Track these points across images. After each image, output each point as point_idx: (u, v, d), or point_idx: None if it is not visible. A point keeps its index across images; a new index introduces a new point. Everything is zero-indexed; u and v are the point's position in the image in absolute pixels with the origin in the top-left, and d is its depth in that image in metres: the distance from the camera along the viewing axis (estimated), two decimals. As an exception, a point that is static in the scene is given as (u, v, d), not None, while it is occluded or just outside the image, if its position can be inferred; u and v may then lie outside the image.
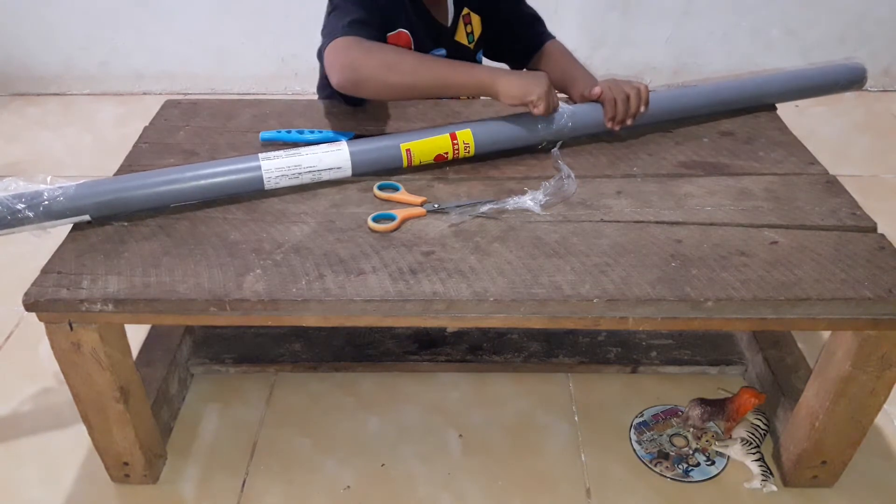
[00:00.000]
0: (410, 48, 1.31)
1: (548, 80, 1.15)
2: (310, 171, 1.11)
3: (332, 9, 1.25)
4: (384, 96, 1.33)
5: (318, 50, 1.24)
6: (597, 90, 1.23)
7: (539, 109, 1.13)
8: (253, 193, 1.12)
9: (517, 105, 1.15)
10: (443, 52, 1.37)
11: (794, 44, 2.56)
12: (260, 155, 1.10)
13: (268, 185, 1.10)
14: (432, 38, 1.35)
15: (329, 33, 1.18)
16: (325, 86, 1.25)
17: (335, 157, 1.13)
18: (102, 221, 1.06)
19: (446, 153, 1.17)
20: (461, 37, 1.41)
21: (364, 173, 1.16)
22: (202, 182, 1.09)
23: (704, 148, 1.25)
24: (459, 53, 1.40)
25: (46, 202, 1.01)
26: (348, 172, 1.14)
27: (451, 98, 1.39)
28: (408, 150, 1.15)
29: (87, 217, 1.04)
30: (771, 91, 1.39)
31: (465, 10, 1.40)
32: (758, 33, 2.55)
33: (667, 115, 1.30)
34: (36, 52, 2.62)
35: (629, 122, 1.23)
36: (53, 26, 2.56)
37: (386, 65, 1.15)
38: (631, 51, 2.59)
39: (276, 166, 1.10)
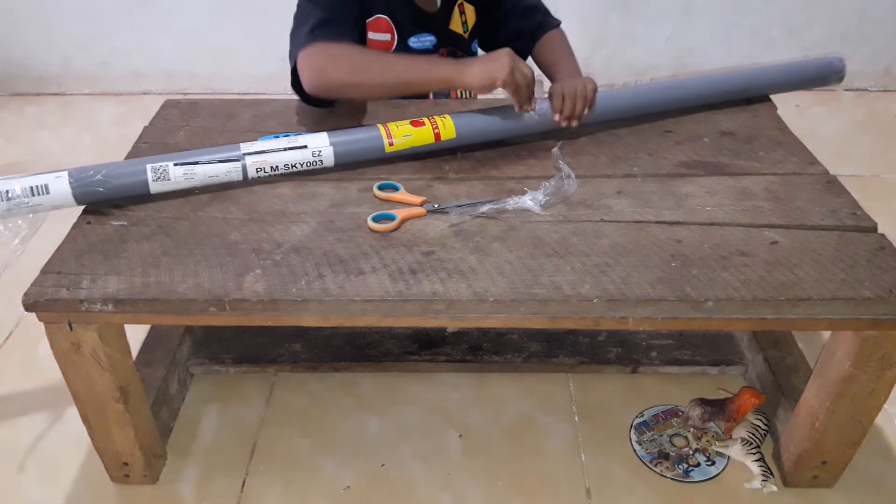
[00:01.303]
0: (391, 33, 1.32)
1: (509, 59, 1.12)
2: (288, 152, 1.12)
3: (298, 9, 1.27)
4: (357, 98, 1.35)
5: (289, 53, 1.27)
6: (552, 87, 1.26)
7: (512, 90, 1.14)
8: (243, 185, 1.13)
9: (488, 92, 1.15)
10: (431, 38, 1.38)
11: (794, 44, 2.56)
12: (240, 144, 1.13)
13: (250, 173, 1.12)
14: (415, 23, 1.35)
15: (295, 40, 1.22)
16: (294, 83, 1.29)
17: (315, 140, 1.14)
18: (102, 222, 1.06)
19: (423, 122, 1.18)
20: (456, 25, 1.41)
21: (348, 162, 1.16)
22: (184, 165, 1.10)
23: (705, 148, 1.25)
24: (453, 42, 1.41)
25: (32, 189, 1.02)
26: (331, 160, 1.15)
27: (423, 94, 1.39)
28: (385, 127, 1.16)
29: (73, 203, 1.06)
30: (743, 85, 1.40)
31: (460, 0, 1.40)
32: (758, 33, 2.55)
33: (636, 111, 1.33)
34: (36, 52, 2.62)
35: (574, 122, 1.23)
36: (53, 26, 2.56)
37: (353, 69, 1.18)
38: (631, 51, 2.59)
39: (254, 149, 1.12)
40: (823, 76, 1.42)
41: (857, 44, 2.55)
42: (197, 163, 1.10)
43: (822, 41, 2.55)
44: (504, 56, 1.13)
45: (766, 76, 1.42)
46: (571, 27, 1.51)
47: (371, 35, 1.35)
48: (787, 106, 1.40)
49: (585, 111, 1.23)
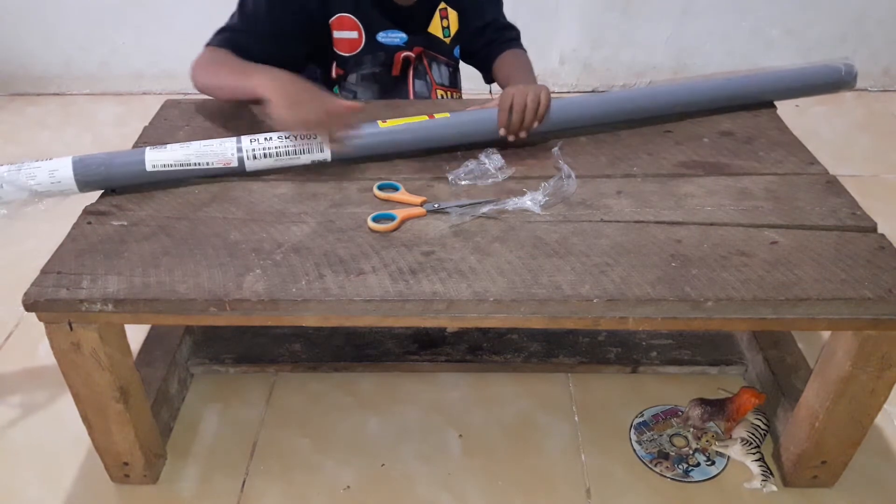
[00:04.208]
0: (358, 31, 1.34)
1: (307, 103, 1.10)
2: (286, 148, 1.14)
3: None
4: (222, 99, 1.36)
5: None
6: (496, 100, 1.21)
7: (306, 129, 1.13)
8: (241, 179, 1.15)
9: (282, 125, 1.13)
10: (401, 34, 1.38)
11: (794, 44, 2.56)
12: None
13: (248, 162, 1.14)
14: (386, 18, 1.36)
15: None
16: None
17: (317, 140, 1.15)
18: (102, 222, 1.06)
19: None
20: (436, 29, 1.41)
21: (346, 156, 1.17)
22: (183, 151, 1.12)
23: (704, 148, 1.25)
24: (432, 45, 1.42)
25: (37, 179, 1.05)
26: (327, 154, 1.16)
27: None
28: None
29: (76, 191, 1.08)
30: (753, 90, 1.38)
31: (443, 5, 1.40)
32: (758, 33, 2.55)
33: (638, 114, 1.31)
34: (36, 52, 2.62)
35: (522, 134, 1.19)
36: (53, 26, 2.56)
37: (210, 74, 1.26)
38: (631, 51, 2.59)
39: (249, 139, 1.14)
40: (833, 83, 1.39)
41: (857, 44, 2.55)
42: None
43: (822, 41, 2.55)
44: (318, 105, 1.11)
45: (776, 82, 1.39)
46: (571, 27, 1.51)
47: (336, 34, 1.36)
48: (787, 106, 1.40)
49: (535, 124, 1.18)
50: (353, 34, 1.35)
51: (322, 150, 1.15)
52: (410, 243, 1.01)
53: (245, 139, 1.15)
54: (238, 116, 1.35)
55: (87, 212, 1.09)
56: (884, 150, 2.24)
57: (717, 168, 1.19)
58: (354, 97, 1.43)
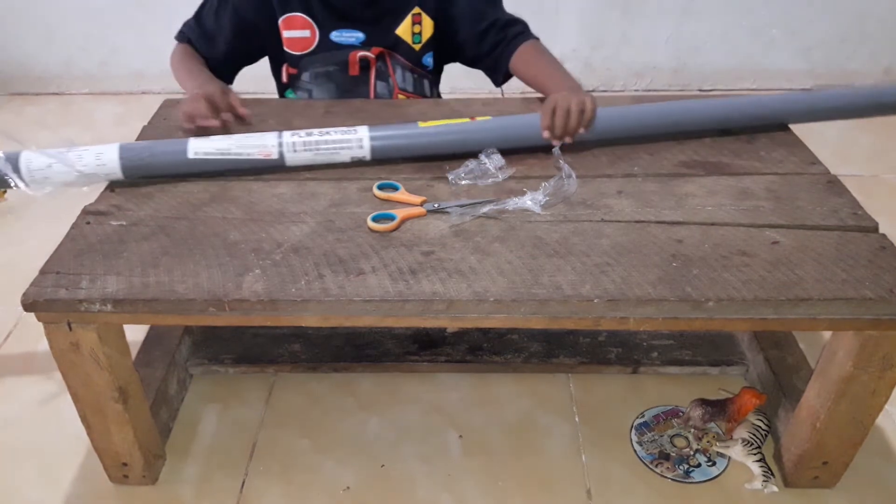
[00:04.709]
0: (311, 30, 1.35)
1: (196, 99, 1.22)
2: (326, 144, 1.15)
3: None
4: None
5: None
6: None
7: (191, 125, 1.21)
8: (273, 171, 1.17)
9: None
10: (357, 34, 1.37)
11: (794, 44, 2.56)
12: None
13: (288, 155, 1.15)
14: (339, 17, 1.35)
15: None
16: None
17: (356, 136, 1.16)
18: (102, 222, 1.06)
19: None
20: (405, 33, 1.38)
21: (385, 157, 1.17)
22: (223, 143, 1.14)
23: (705, 147, 1.25)
24: (397, 47, 1.39)
25: (83, 161, 1.09)
26: (367, 148, 1.16)
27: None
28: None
29: (120, 176, 1.12)
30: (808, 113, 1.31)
31: (417, 10, 1.37)
32: (758, 33, 2.54)
33: (667, 129, 1.26)
34: (36, 52, 2.62)
35: (567, 139, 1.17)
36: (53, 26, 2.56)
37: (175, 73, 1.37)
38: (631, 51, 2.59)
39: (290, 133, 1.16)
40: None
41: (857, 44, 2.55)
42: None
43: (822, 41, 2.55)
44: (196, 98, 1.23)
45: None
46: (571, 27, 1.50)
47: (286, 34, 1.37)
48: (788, 106, 1.40)
49: (581, 130, 1.16)
50: (305, 33, 1.36)
51: (361, 147, 1.15)
52: (410, 243, 1.01)
53: (286, 133, 1.15)
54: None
55: (87, 212, 1.09)
56: (885, 149, 2.24)
57: (718, 168, 1.19)
58: (310, 96, 1.43)
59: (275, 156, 1.14)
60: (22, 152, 1.10)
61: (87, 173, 1.10)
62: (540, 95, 1.33)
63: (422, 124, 1.19)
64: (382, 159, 1.18)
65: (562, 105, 1.15)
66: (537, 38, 1.41)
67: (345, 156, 1.16)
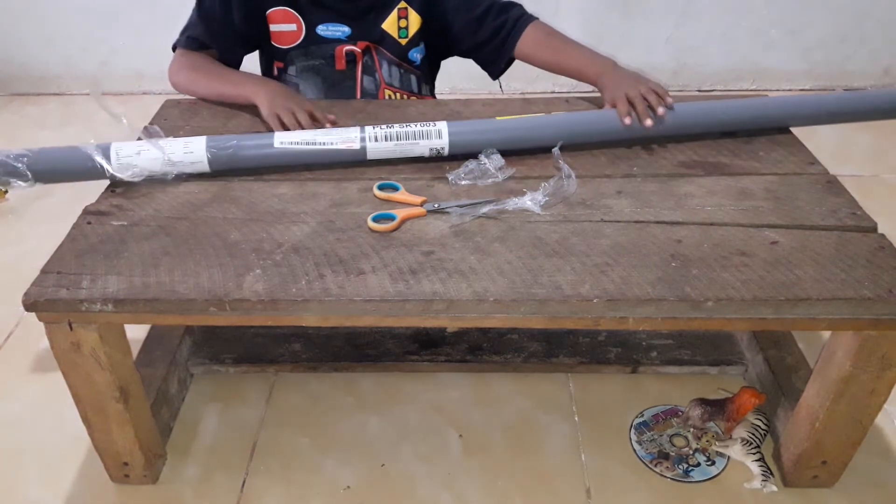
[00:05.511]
0: (297, 23, 1.36)
1: (292, 97, 1.25)
2: (406, 137, 1.17)
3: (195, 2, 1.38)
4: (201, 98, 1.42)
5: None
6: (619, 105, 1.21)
7: (291, 126, 1.21)
8: (355, 164, 1.19)
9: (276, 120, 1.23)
10: (344, 28, 1.37)
11: (794, 44, 2.56)
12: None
13: (369, 144, 1.17)
14: (326, 11, 1.35)
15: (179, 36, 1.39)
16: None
17: (435, 128, 1.17)
18: (103, 222, 1.06)
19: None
20: (390, 27, 1.38)
21: (463, 149, 1.18)
22: (307, 147, 1.17)
23: (704, 147, 1.25)
24: (383, 41, 1.39)
25: (171, 145, 1.14)
26: (445, 142, 1.17)
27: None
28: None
29: (206, 168, 1.15)
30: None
31: (403, 4, 1.37)
32: (758, 33, 2.55)
33: (696, 129, 1.26)
34: (36, 52, 2.62)
35: (648, 122, 1.18)
36: (53, 26, 2.56)
37: (189, 80, 1.38)
38: (631, 51, 2.58)
39: (371, 125, 1.19)
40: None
41: (857, 44, 2.55)
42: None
43: (822, 41, 2.55)
44: (286, 93, 1.27)
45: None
46: (571, 27, 1.50)
47: (273, 27, 1.37)
48: (787, 106, 1.40)
49: (661, 110, 1.18)
50: (292, 27, 1.36)
51: (440, 137, 1.17)
52: (410, 243, 1.01)
53: (368, 126, 1.18)
54: (238, 116, 1.35)
55: (87, 212, 1.09)
56: (884, 149, 2.24)
57: (718, 168, 1.19)
58: (297, 89, 1.43)
59: (356, 146, 1.16)
60: (113, 143, 1.15)
61: (175, 161, 1.13)
62: (562, 80, 1.33)
63: (499, 118, 1.22)
64: (462, 153, 1.18)
65: (632, 94, 1.20)
66: (538, 18, 1.40)
67: (423, 147, 1.17)
